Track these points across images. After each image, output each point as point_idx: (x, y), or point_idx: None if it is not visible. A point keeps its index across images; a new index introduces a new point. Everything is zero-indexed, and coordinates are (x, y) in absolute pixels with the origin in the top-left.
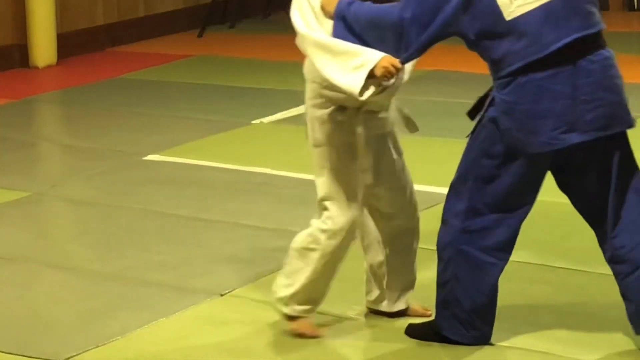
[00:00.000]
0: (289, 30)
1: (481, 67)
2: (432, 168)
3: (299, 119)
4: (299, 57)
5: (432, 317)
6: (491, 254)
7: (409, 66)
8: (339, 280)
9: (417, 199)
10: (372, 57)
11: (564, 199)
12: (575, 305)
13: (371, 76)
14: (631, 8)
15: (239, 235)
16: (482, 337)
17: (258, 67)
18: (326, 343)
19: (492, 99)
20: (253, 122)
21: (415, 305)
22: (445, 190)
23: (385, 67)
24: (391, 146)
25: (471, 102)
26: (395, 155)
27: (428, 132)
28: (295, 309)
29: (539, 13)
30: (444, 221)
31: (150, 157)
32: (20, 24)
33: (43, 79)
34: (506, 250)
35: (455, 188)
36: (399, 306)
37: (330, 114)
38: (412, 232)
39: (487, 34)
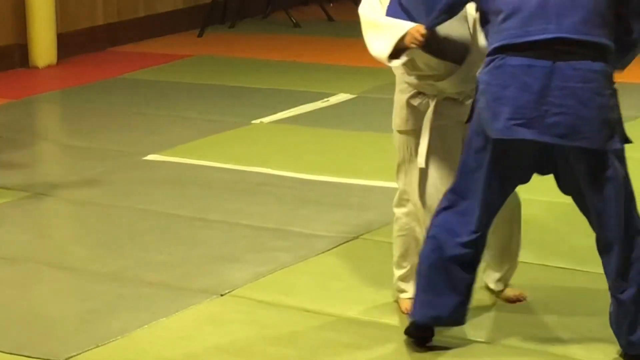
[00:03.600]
0: (289, 30)
1: None
2: None
3: (299, 119)
4: (299, 57)
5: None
6: None
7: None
8: (339, 280)
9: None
10: (402, 27)
11: (564, 199)
12: (575, 305)
13: (402, 45)
14: None
15: (239, 235)
16: None
17: (258, 67)
18: (325, 342)
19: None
20: (253, 122)
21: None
22: None
23: (411, 34)
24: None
25: None
26: None
27: None
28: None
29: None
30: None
31: (150, 157)
32: (20, 24)
33: (43, 79)
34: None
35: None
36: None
37: (408, 100)
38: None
39: (487, 11)
